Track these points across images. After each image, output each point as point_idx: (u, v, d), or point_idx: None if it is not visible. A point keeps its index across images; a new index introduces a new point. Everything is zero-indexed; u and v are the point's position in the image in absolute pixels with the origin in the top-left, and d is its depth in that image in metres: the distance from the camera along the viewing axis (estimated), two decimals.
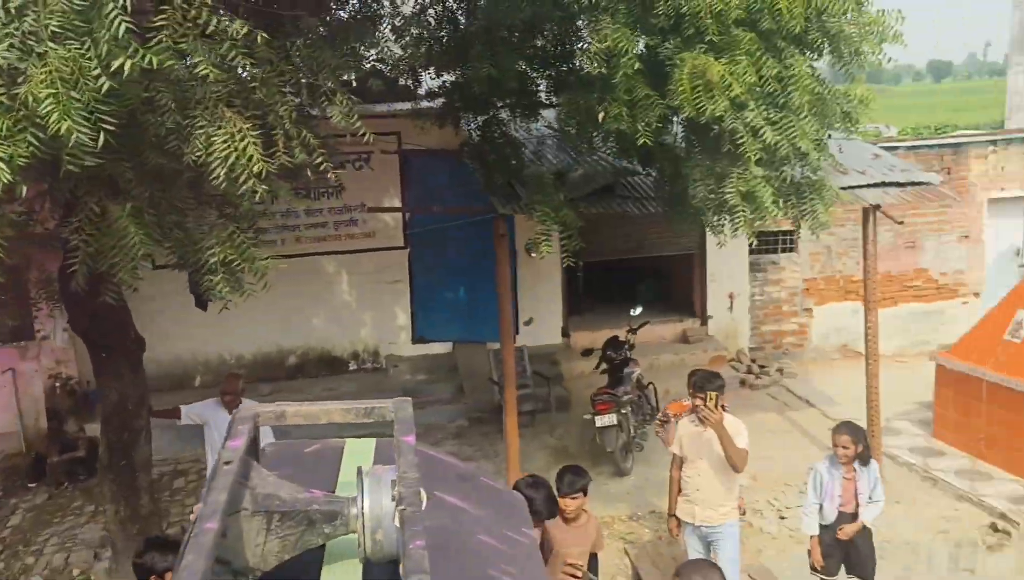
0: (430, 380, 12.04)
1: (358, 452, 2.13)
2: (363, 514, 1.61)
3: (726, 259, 12.49)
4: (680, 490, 6.75)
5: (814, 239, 12.62)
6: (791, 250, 12.93)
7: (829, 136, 7.29)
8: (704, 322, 12.94)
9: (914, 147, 12.85)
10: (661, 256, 13.01)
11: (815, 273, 13.01)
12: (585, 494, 5.44)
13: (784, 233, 12.67)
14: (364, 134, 5.50)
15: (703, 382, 6.51)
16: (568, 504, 5.35)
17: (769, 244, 12.85)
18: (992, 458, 9.16)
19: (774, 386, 12.18)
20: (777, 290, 13.02)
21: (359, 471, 1.68)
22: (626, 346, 10.24)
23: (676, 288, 13.82)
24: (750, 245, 12.50)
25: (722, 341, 12.74)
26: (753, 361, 12.72)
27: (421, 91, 10.35)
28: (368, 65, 9.20)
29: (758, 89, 5.91)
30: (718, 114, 5.82)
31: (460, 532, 1.95)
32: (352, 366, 12.16)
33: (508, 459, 8.70)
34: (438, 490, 2.02)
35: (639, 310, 10.76)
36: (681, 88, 5.78)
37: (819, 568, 6.71)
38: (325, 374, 12.02)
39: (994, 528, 8.09)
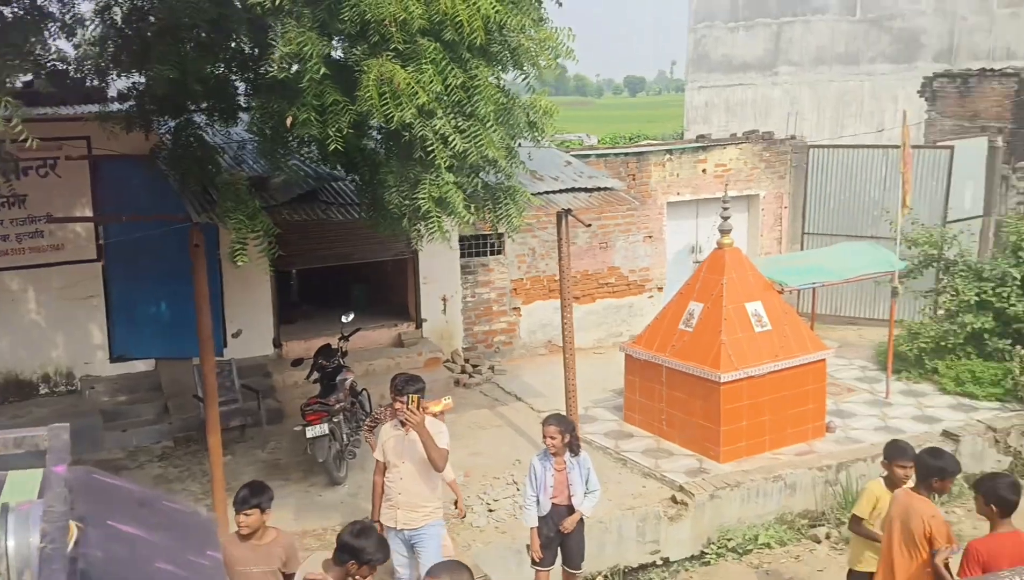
0: (132, 400, 11.29)
1: (21, 485, 1.96)
2: (7, 555, 1.55)
3: (438, 263, 12.77)
4: (384, 495, 6.81)
5: (521, 241, 13.36)
6: (499, 253, 13.46)
7: (519, 144, 7.70)
8: (419, 325, 13.13)
9: (604, 155, 13.87)
10: (376, 261, 13.05)
11: (522, 274, 13.64)
12: (263, 511, 5.29)
13: (492, 236, 13.19)
14: (27, 140, 5.05)
15: (403, 385, 6.61)
16: (240, 521, 5.20)
17: (478, 247, 13.31)
18: (672, 436, 10.11)
19: (486, 384, 12.62)
20: (487, 291, 13.51)
21: (3, 508, 1.60)
22: (339, 353, 10.17)
23: (391, 292, 13.93)
24: (462, 248, 12.96)
25: (437, 343, 13.00)
26: (467, 361, 13.11)
27: (112, 93, 9.67)
28: (49, 65, 8.44)
29: (445, 98, 6.10)
30: (407, 121, 5.93)
31: (135, 562, 1.87)
32: (43, 390, 11.13)
33: (213, 478, 8.33)
34: (113, 519, 1.92)
35: (351, 317, 10.72)
36: (368, 95, 5.83)
37: (537, 560, 7.04)
38: (13, 399, 10.93)
39: (674, 500, 8.92)
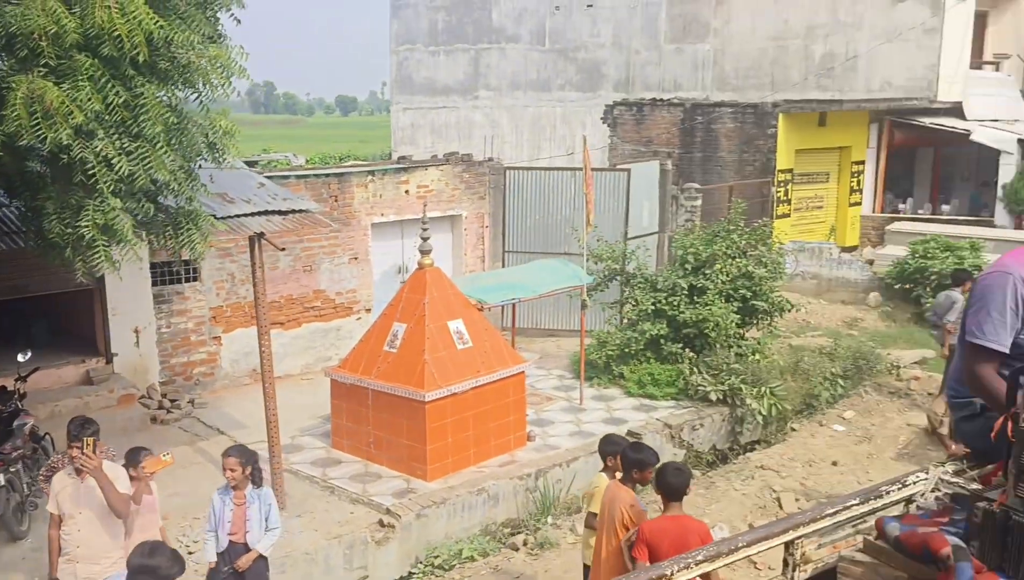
0: None
1: None
2: None
3: (128, 292, 11.87)
4: (61, 549, 6.22)
5: (219, 267, 12.77)
6: (195, 279, 12.78)
7: (200, 165, 7.34)
8: (109, 360, 12.13)
9: (304, 176, 13.63)
10: (59, 293, 11.86)
11: (221, 301, 13.04)
12: None
13: (186, 262, 12.48)
14: None
15: (79, 430, 6.13)
16: None
17: (172, 274, 12.55)
18: (380, 459, 10.10)
19: (186, 419, 11.94)
20: (184, 321, 12.77)
21: None
22: (15, 396, 9.22)
23: (77, 325, 12.76)
24: (154, 276, 12.15)
25: (130, 378, 12.07)
26: (164, 395, 12.30)
27: None
28: None
29: (106, 117, 5.66)
30: (64, 143, 5.45)
31: None
32: None
33: None
34: None
35: (28, 355, 9.74)
36: (16, 114, 5.29)
37: None
38: None
39: (381, 524, 8.89)
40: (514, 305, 12.96)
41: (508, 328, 13.96)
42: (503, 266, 15.40)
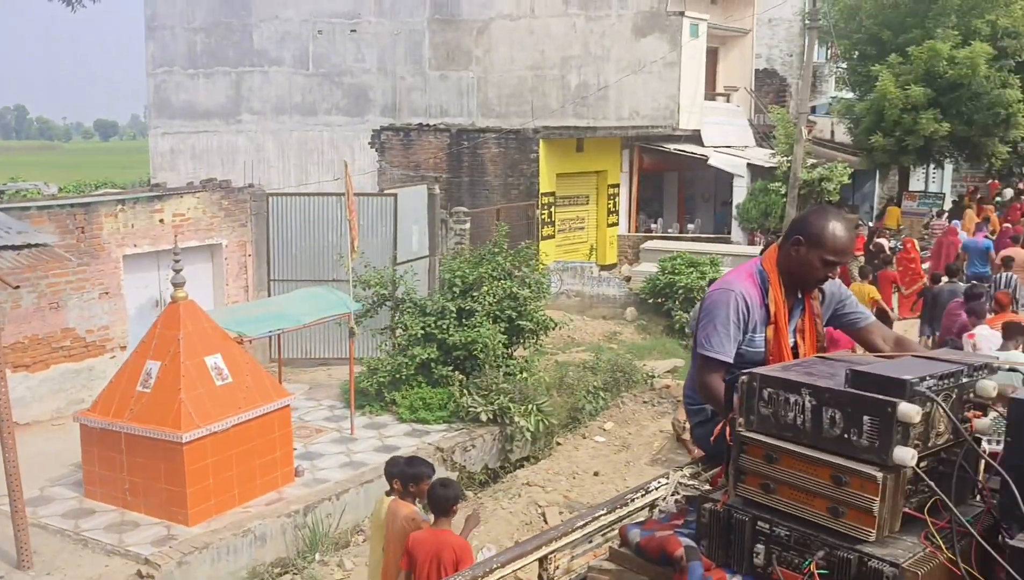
0: None
1: None
2: None
3: None
4: None
5: None
6: None
7: None
8: None
9: (47, 207, 12.66)
10: None
11: None
12: None
13: None
14: None
15: None
16: None
17: None
18: (138, 506, 9.51)
19: None
20: None
21: None
22: None
23: None
24: None
25: None
26: None
27: None
28: None
29: None
30: None
31: None
32: None
33: None
34: None
35: None
36: None
37: None
38: None
39: (140, 575, 8.41)
40: (279, 336, 12.67)
41: (276, 360, 13.62)
42: (268, 295, 15.00)
